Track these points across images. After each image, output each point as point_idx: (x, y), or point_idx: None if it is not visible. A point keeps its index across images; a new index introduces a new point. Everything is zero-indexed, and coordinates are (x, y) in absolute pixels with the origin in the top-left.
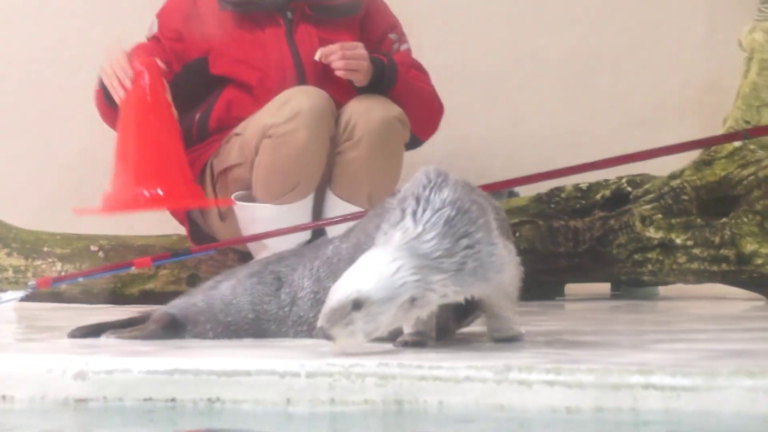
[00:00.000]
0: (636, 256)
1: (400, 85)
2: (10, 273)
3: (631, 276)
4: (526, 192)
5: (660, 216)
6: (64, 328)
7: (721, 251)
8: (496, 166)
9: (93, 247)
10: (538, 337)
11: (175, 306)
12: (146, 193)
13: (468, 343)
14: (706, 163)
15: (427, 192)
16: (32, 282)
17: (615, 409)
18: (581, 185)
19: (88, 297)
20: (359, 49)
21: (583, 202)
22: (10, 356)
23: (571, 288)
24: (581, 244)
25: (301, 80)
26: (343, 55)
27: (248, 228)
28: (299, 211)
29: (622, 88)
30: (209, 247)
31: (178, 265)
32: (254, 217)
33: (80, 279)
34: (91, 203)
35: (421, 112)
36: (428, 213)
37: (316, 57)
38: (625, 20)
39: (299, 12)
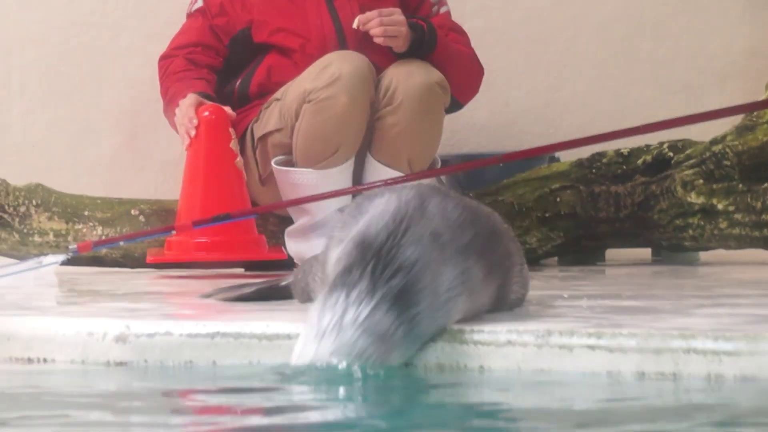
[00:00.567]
0: (677, 222)
1: (440, 50)
2: (51, 237)
3: (672, 241)
4: (567, 157)
5: (701, 181)
6: (105, 292)
7: (763, 216)
8: (536, 132)
9: (134, 211)
10: (579, 302)
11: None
12: (209, 240)
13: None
14: (748, 128)
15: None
16: (73, 246)
17: (656, 373)
18: (623, 150)
19: (128, 261)
20: (397, 15)
21: (625, 167)
22: (52, 320)
23: (612, 253)
24: (622, 209)
25: (342, 46)
26: (381, 22)
27: (288, 193)
28: (339, 176)
29: (663, 53)
30: (250, 212)
31: None
32: (294, 181)
33: (121, 243)
34: (130, 167)
35: (461, 75)
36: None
37: (354, 25)
38: None
39: None
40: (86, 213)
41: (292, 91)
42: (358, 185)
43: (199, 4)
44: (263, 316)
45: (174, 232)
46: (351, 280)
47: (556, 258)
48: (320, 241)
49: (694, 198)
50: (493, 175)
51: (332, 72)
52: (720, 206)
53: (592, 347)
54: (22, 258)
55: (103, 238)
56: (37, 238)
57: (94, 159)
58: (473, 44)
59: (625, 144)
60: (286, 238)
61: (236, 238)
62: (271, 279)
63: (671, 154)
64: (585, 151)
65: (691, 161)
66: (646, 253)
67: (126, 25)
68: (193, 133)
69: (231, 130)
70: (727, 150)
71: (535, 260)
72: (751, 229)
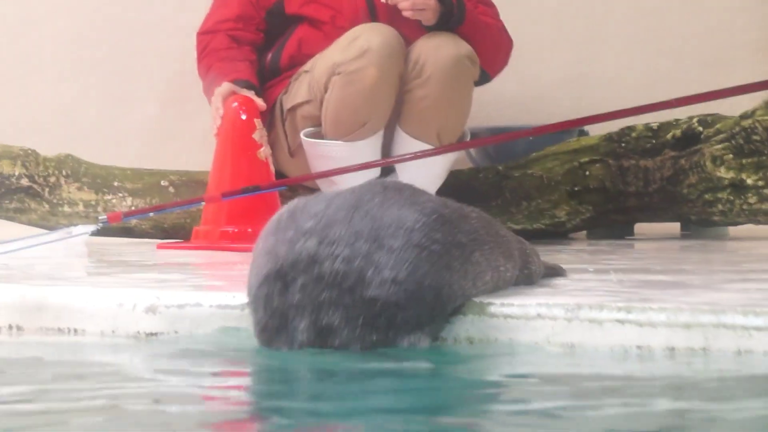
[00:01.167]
0: (706, 196)
1: (468, 23)
2: (81, 207)
3: (701, 216)
4: (596, 131)
5: (731, 156)
6: (135, 263)
7: None
8: (565, 105)
9: (163, 182)
10: (608, 276)
11: None
12: (235, 229)
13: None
14: None
15: None
16: (103, 216)
17: (686, 348)
18: (652, 125)
19: (158, 232)
20: None
21: (654, 141)
22: (82, 290)
23: (640, 227)
24: (651, 183)
25: (373, 19)
26: None
27: (317, 165)
28: (368, 149)
29: (693, 27)
30: (279, 184)
31: None
32: (323, 154)
33: (151, 214)
34: (160, 137)
35: (490, 47)
36: None
37: None
38: None
39: None
40: (116, 184)
41: (321, 63)
42: (387, 157)
43: None
44: None
45: (203, 203)
46: None
47: (584, 232)
48: None
49: (723, 173)
50: (522, 149)
51: (361, 44)
52: (749, 181)
53: (621, 321)
54: (51, 228)
55: (133, 208)
56: (66, 209)
57: (123, 130)
58: (502, 17)
59: (655, 118)
60: None
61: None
62: None
63: (701, 128)
64: (614, 125)
65: (721, 136)
66: (674, 227)
67: None
68: (218, 122)
69: (257, 121)
70: (757, 125)
71: (563, 234)
72: None
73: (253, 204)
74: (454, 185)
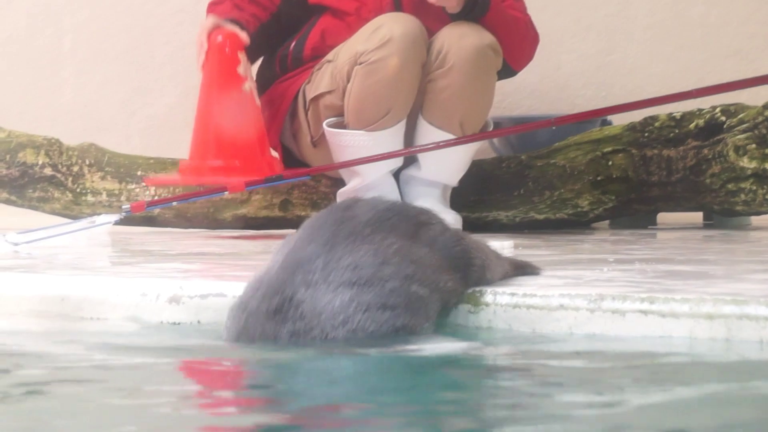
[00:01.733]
0: (729, 186)
1: (493, 13)
2: (104, 197)
3: (724, 206)
4: (619, 120)
5: (754, 146)
6: (158, 253)
7: None
8: (588, 95)
9: None
10: (631, 266)
11: None
12: (223, 164)
13: (563, 271)
14: None
15: None
16: (126, 206)
17: (709, 339)
18: (675, 114)
19: (181, 221)
20: None
21: (677, 131)
22: (105, 280)
23: (663, 217)
24: (674, 173)
25: (398, 10)
26: None
27: (340, 155)
28: (391, 138)
29: (715, 18)
30: (302, 173)
31: (271, 191)
32: (346, 143)
33: (174, 203)
34: (182, 127)
35: (515, 41)
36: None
37: None
38: None
39: None
40: (139, 173)
41: (343, 52)
42: (410, 147)
43: None
44: None
45: (227, 192)
46: None
47: (607, 222)
48: None
49: (746, 162)
50: (545, 139)
51: (384, 34)
52: None
53: (644, 312)
54: (75, 217)
55: (156, 198)
56: (90, 198)
57: (146, 119)
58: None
59: (678, 108)
60: (337, 200)
61: (250, 161)
62: None
63: (724, 118)
64: (637, 115)
65: (744, 125)
66: (697, 217)
67: None
68: (202, 57)
69: (241, 54)
70: None
71: (586, 224)
72: None
73: (240, 137)
74: (477, 175)
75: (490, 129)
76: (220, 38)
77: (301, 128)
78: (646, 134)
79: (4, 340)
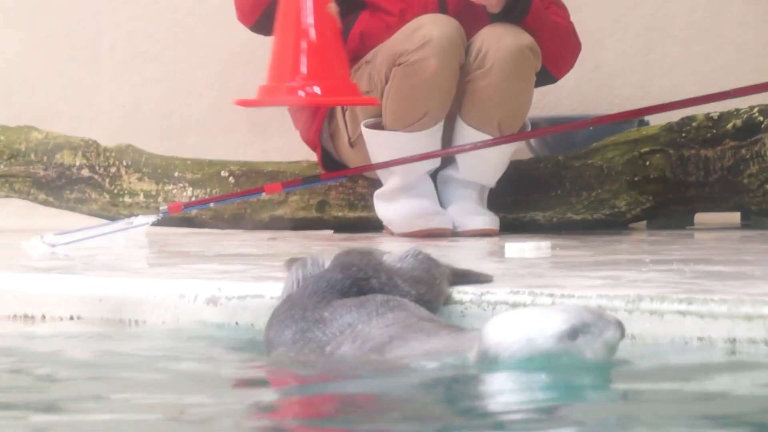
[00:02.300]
0: (767, 186)
1: (534, 17)
2: (141, 198)
3: (762, 206)
4: (656, 120)
5: None
6: (195, 254)
7: None
8: (626, 95)
9: (223, 173)
10: (669, 267)
11: None
12: (302, 88)
13: (601, 271)
14: None
15: None
16: (163, 207)
17: (747, 340)
18: (712, 114)
19: (218, 222)
20: None
21: (714, 131)
22: (143, 281)
23: (700, 217)
24: (712, 173)
25: (442, 12)
26: None
27: (378, 155)
28: (429, 139)
29: (753, 17)
30: (339, 174)
31: (308, 192)
32: (384, 144)
33: (211, 204)
34: (219, 128)
35: (556, 47)
36: None
37: None
38: None
39: None
40: (176, 174)
41: (381, 53)
42: (448, 148)
43: None
44: None
45: (264, 194)
46: None
47: (644, 222)
48: (409, 203)
49: None
50: (582, 139)
51: (422, 35)
52: None
53: (682, 313)
54: (112, 218)
55: (193, 199)
56: (127, 199)
57: (183, 120)
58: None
59: (715, 108)
60: (375, 201)
61: (332, 82)
62: None
63: (761, 118)
64: (675, 115)
65: None
66: (735, 217)
67: None
68: None
69: None
70: None
71: (623, 224)
72: None
73: (321, 61)
74: (514, 175)
75: (528, 130)
76: None
77: (339, 129)
78: (684, 134)
79: (44, 344)
